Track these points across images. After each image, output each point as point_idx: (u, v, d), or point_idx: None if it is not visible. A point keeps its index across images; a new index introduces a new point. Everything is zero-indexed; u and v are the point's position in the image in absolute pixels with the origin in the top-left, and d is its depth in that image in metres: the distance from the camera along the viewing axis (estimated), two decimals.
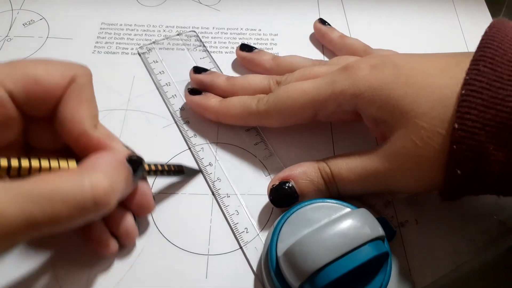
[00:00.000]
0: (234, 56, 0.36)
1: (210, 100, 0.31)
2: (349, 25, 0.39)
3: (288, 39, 0.38)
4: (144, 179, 0.26)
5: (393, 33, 0.38)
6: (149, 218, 0.27)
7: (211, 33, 0.38)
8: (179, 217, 0.27)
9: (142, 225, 0.27)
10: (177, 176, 0.28)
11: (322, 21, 0.37)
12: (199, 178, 0.29)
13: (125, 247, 0.26)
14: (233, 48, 0.36)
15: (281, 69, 0.32)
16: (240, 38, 0.38)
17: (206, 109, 0.31)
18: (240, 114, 0.29)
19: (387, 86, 0.24)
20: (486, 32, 0.23)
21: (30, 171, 0.20)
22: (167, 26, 0.38)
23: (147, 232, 0.27)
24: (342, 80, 0.26)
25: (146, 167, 0.25)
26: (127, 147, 0.25)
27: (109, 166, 0.21)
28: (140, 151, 0.29)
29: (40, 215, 0.18)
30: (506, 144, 0.21)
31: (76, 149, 0.23)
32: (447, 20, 0.40)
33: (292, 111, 0.28)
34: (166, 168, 0.27)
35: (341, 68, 0.27)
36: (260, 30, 0.38)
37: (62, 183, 0.19)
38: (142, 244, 0.26)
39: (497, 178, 0.21)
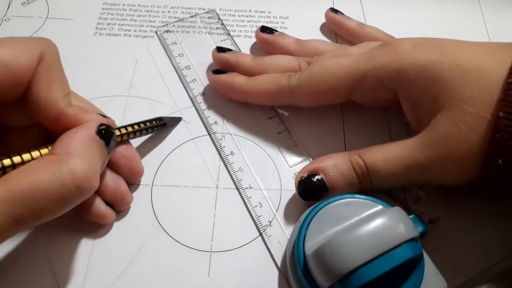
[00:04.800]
0: (242, 40, 0.34)
1: (237, 78, 0.29)
2: (365, 12, 0.37)
3: (299, 23, 0.36)
4: (128, 142, 0.26)
5: (411, 22, 0.36)
6: (150, 210, 0.26)
7: (218, 14, 0.36)
8: (181, 211, 0.26)
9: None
10: (160, 130, 0.28)
11: (334, 10, 0.35)
12: (204, 170, 0.28)
13: (121, 211, 0.26)
14: (240, 31, 0.35)
15: (307, 52, 0.31)
16: (248, 21, 0.36)
17: (233, 87, 0.29)
18: (271, 90, 0.28)
19: (432, 66, 0.23)
20: None
21: (4, 171, 0.19)
22: (172, 7, 0.36)
23: (148, 225, 0.26)
24: (383, 55, 0.25)
25: (124, 130, 0.25)
26: (102, 115, 0.24)
27: (83, 145, 0.20)
28: (145, 142, 0.29)
29: (28, 214, 0.18)
30: None
31: (52, 128, 0.22)
32: (468, 8, 0.37)
33: (328, 86, 0.26)
34: (148, 124, 0.27)
35: (380, 45, 0.26)
36: (270, 12, 0.36)
37: (42, 177, 0.18)
38: (143, 238, 0.25)
39: None
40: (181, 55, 0.33)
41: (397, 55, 0.24)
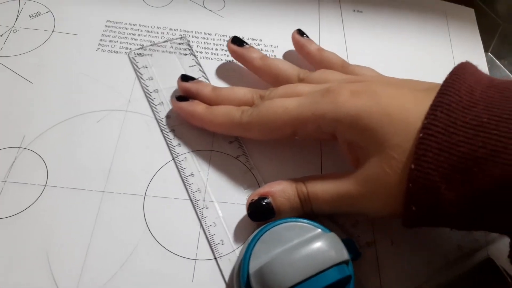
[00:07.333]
0: (235, 65, 0.37)
1: (197, 107, 0.32)
2: (347, 42, 0.40)
3: (287, 52, 0.39)
4: None
5: (390, 53, 0.40)
6: (142, 219, 0.29)
7: (213, 39, 0.38)
8: (171, 221, 0.29)
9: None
10: None
11: (300, 32, 0.37)
12: (193, 185, 0.30)
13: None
14: (229, 55, 0.37)
15: (269, 69, 0.34)
16: None
17: (192, 115, 0.32)
18: (224, 123, 0.31)
19: (364, 115, 0.25)
20: (446, 79, 0.25)
21: None
22: (170, 29, 0.38)
23: (139, 233, 0.28)
24: (323, 103, 0.27)
25: None
26: None
27: None
28: (135, 156, 0.31)
29: None
30: (456, 185, 0.22)
31: None
32: (441, 47, 0.41)
33: (273, 127, 0.29)
34: None
35: (323, 90, 0.28)
36: (261, 40, 0.39)
37: None
38: (134, 244, 0.28)
39: (448, 215, 0.23)
40: (150, 78, 0.35)
41: (335, 104, 0.26)
